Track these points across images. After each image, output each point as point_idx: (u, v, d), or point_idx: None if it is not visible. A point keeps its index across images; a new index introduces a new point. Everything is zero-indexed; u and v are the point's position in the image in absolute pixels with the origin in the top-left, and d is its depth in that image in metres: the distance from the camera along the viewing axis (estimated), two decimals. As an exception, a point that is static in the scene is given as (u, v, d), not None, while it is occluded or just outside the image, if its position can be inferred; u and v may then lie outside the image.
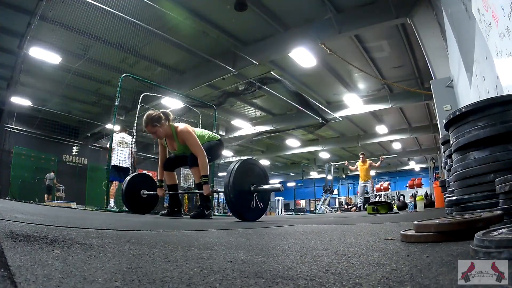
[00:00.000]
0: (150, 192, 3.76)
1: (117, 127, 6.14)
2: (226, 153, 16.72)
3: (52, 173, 10.85)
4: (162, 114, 3.14)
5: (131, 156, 5.91)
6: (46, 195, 10.16)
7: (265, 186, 2.78)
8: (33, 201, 6.95)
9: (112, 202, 5.50)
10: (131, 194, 3.69)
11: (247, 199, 2.70)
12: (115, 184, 5.76)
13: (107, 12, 5.38)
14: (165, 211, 3.47)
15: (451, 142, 1.81)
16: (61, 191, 11.03)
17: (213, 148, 3.34)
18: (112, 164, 5.60)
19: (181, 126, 3.19)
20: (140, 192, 3.73)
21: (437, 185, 6.76)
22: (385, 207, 4.93)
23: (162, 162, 3.43)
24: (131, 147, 5.95)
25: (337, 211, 13.30)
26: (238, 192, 2.62)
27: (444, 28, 4.67)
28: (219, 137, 3.50)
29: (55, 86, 8.64)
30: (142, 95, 5.99)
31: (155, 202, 4.04)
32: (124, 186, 3.69)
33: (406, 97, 9.62)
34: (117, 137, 5.92)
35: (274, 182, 27.29)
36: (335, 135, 14.91)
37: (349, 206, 12.50)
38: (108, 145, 6.03)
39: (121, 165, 5.77)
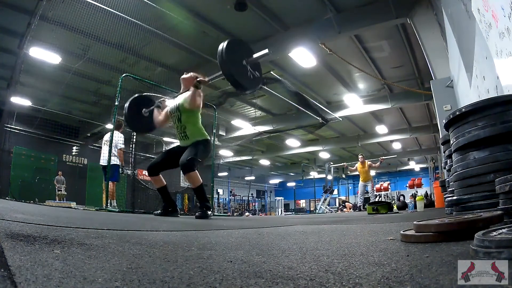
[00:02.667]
0: (151, 108, 3.77)
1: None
2: (226, 153, 16.72)
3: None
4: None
5: (119, 155, 5.83)
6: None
7: (255, 55, 2.97)
8: (33, 201, 6.94)
9: (114, 202, 5.49)
10: (133, 115, 3.73)
11: (243, 71, 2.90)
12: (111, 184, 5.72)
13: (107, 12, 5.38)
14: (159, 211, 3.45)
15: (451, 142, 1.81)
16: (62, 190, 11.03)
17: (207, 147, 3.34)
18: (103, 164, 5.65)
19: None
20: (141, 111, 3.74)
21: (437, 185, 6.76)
22: (385, 207, 4.93)
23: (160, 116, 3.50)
24: (119, 144, 5.85)
25: (337, 211, 13.30)
26: (233, 65, 2.82)
27: (444, 28, 4.67)
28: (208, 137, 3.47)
29: (55, 86, 8.63)
30: (142, 95, 5.99)
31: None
32: (126, 110, 3.71)
33: (406, 97, 9.62)
34: (105, 137, 5.96)
35: (274, 182, 27.39)
36: (335, 135, 14.91)
37: (344, 203, 12.36)
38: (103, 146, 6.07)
39: (111, 163, 5.70)
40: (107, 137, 5.90)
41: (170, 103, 3.45)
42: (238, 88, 2.90)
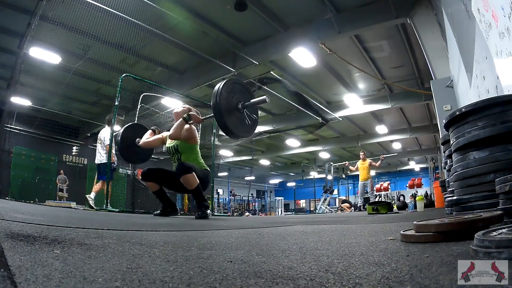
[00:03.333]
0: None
1: (117, 127, 6.04)
2: (226, 153, 16.71)
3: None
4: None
5: (107, 151, 5.50)
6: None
7: (252, 101, 2.84)
8: (33, 201, 6.94)
9: (91, 201, 5.24)
10: (126, 145, 3.70)
11: (238, 117, 2.76)
12: (100, 183, 5.48)
13: (107, 12, 5.38)
14: (159, 211, 3.45)
15: (451, 142, 1.81)
16: (64, 191, 11.04)
17: (207, 175, 3.36)
18: (98, 162, 5.51)
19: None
20: (135, 141, 3.71)
21: (437, 185, 6.76)
22: (385, 207, 4.93)
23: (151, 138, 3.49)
24: (107, 140, 5.50)
25: (337, 211, 13.29)
26: (227, 110, 2.64)
27: (444, 28, 4.67)
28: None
29: (55, 86, 8.63)
30: (142, 95, 5.98)
31: (151, 149, 4.05)
32: (119, 138, 3.68)
33: (406, 97, 9.62)
34: (100, 135, 5.75)
35: (274, 182, 27.35)
36: (335, 135, 14.91)
37: (343, 203, 12.24)
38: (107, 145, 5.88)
39: (101, 162, 5.53)
40: (102, 135, 5.69)
41: (165, 134, 3.43)
42: (230, 136, 2.77)
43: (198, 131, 3.49)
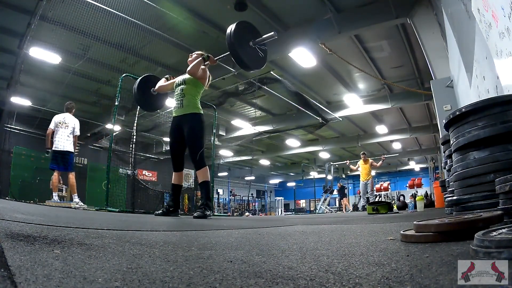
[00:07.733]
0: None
1: (117, 127, 6.01)
2: (226, 153, 16.71)
3: None
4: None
5: (74, 140, 5.33)
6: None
7: (261, 37, 3.19)
8: (33, 201, 6.94)
9: (55, 196, 5.18)
10: (142, 92, 3.92)
11: (252, 52, 3.17)
12: (56, 174, 5.24)
13: (107, 12, 5.38)
14: (161, 211, 3.46)
15: (451, 142, 1.81)
16: (63, 191, 11.02)
17: (202, 123, 3.45)
18: (53, 149, 5.13)
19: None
20: (150, 90, 3.93)
21: (437, 185, 6.77)
22: (385, 207, 4.93)
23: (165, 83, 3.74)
24: (73, 130, 5.30)
25: (337, 211, 13.29)
26: (243, 48, 3.03)
27: (444, 28, 4.67)
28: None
29: (55, 86, 8.63)
30: (142, 95, 5.97)
31: (163, 99, 4.24)
32: (136, 86, 3.88)
33: (406, 97, 9.62)
34: (58, 117, 5.31)
35: (274, 182, 27.32)
36: (335, 135, 14.91)
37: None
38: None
39: (60, 149, 5.13)
40: (66, 118, 5.29)
41: (177, 79, 3.64)
42: (246, 69, 3.20)
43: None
